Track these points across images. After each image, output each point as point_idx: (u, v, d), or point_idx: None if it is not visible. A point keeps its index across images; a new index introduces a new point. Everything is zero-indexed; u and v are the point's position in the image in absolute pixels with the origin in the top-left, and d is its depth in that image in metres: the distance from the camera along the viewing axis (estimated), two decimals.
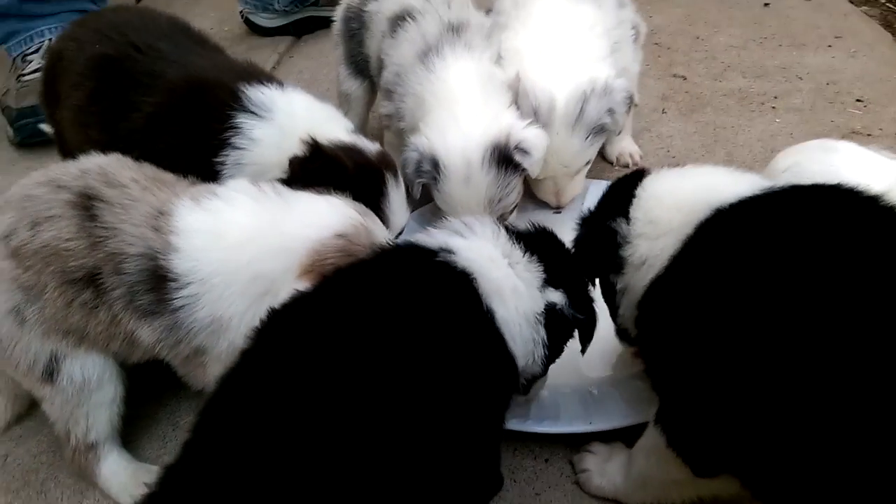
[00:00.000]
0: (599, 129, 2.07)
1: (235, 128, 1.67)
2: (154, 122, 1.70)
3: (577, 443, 1.57)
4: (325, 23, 2.80)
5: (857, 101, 2.78)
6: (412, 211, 1.97)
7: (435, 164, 1.88)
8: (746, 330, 1.08)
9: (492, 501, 1.49)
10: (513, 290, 1.29)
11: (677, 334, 1.20)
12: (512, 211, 2.03)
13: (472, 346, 1.21)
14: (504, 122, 1.92)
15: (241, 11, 3.74)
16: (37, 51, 3.00)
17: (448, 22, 2.04)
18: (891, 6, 3.57)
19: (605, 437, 1.56)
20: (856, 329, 0.98)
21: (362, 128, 2.48)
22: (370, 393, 1.07)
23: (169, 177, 1.50)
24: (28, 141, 2.87)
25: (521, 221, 1.54)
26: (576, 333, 1.44)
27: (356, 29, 2.32)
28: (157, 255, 1.35)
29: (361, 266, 1.30)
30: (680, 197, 1.31)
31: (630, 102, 2.15)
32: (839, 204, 1.15)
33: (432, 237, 1.35)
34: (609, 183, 1.55)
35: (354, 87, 2.43)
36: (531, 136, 1.92)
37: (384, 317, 1.17)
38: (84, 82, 1.80)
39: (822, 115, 2.71)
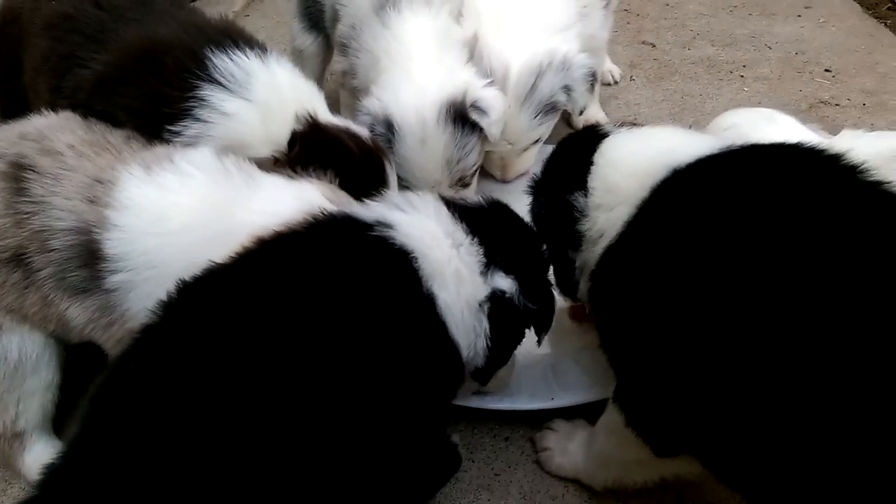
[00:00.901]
0: (551, 107, 1.96)
1: (198, 98, 1.47)
2: (102, 82, 1.52)
3: (538, 420, 1.51)
4: None
5: (826, 71, 2.74)
6: None
7: (389, 126, 1.75)
8: (699, 300, 1.00)
9: (449, 482, 1.43)
10: (455, 273, 1.17)
11: (628, 306, 1.13)
12: (473, 175, 1.92)
13: (410, 331, 1.10)
14: (460, 80, 1.80)
15: None
16: None
17: None
18: None
19: (568, 413, 1.50)
20: (815, 297, 0.91)
21: None
22: (286, 382, 0.97)
23: (116, 138, 1.37)
24: None
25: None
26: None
27: None
28: (92, 230, 1.23)
29: (287, 237, 1.16)
30: (637, 161, 1.22)
31: (592, 79, 2.04)
32: (801, 163, 1.08)
33: (369, 209, 1.22)
34: (558, 143, 1.46)
35: (308, 42, 2.26)
36: (489, 96, 1.81)
37: (306, 296, 1.05)
38: (38, 42, 1.62)
39: (790, 84, 2.67)
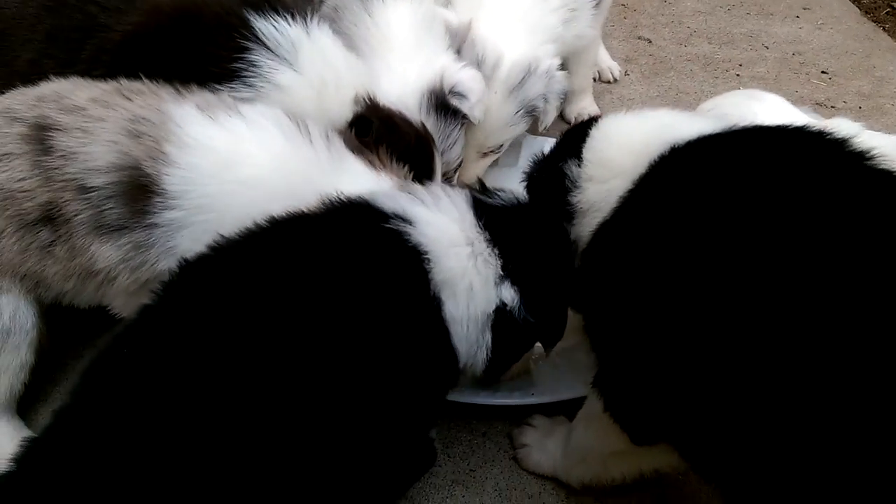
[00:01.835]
0: (531, 110, 1.95)
1: (248, 62, 1.41)
2: (132, 42, 1.45)
3: (517, 416, 1.47)
4: None
5: (822, 72, 2.71)
6: None
7: None
8: (690, 281, 0.96)
9: (424, 477, 1.39)
10: (467, 288, 1.11)
11: (617, 283, 1.07)
12: (456, 169, 1.87)
13: (409, 330, 1.06)
14: (437, 65, 1.75)
15: None
16: None
17: None
18: None
19: (548, 410, 1.46)
20: (810, 288, 0.87)
21: None
22: (278, 372, 0.95)
23: (140, 85, 1.32)
24: None
25: None
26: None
27: None
28: (141, 164, 1.20)
29: (300, 219, 1.12)
30: (635, 136, 1.18)
31: (563, 100, 2.07)
32: (804, 145, 1.04)
33: (393, 199, 1.16)
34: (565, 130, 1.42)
35: None
36: (466, 78, 1.75)
37: (310, 284, 1.01)
38: (37, 27, 1.52)
39: (786, 85, 2.63)
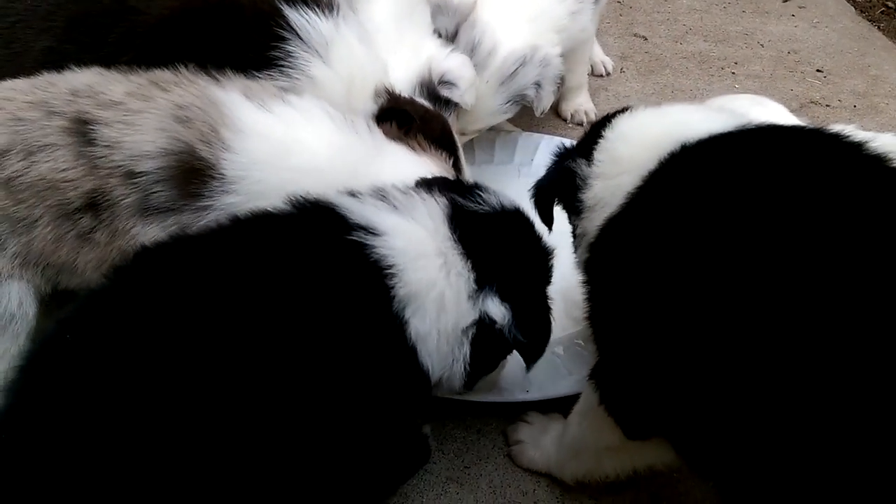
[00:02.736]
0: (520, 98, 1.95)
1: (285, 51, 1.43)
2: (165, 26, 1.44)
3: (512, 413, 1.46)
4: None
5: (818, 71, 2.72)
6: None
7: None
8: (696, 275, 0.95)
9: (418, 474, 1.38)
10: (436, 301, 1.06)
11: (622, 276, 1.07)
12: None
13: (368, 350, 1.01)
14: (424, 55, 1.74)
15: None
16: None
17: None
18: None
19: (543, 407, 1.45)
20: (817, 287, 0.86)
21: None
22: (225, 374, 0.91)
23: (172, 76, 1.32)
24: None
25: None
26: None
27: None
28: (193, 148, 1.21)
29: (264, 220, 1.09)
30: (648, 133, 1.17)
31: (560, 84, 2.08)
32: (820, 146, 1.03)
33: (362, 205, 1.11)
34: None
35: None
36: (454, 66, 1.74)
37: (263, 288, 0.98)
38: (58, 12, 1.50)
39: (781, 83, 2.63)
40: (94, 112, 1.24)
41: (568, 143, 1.53)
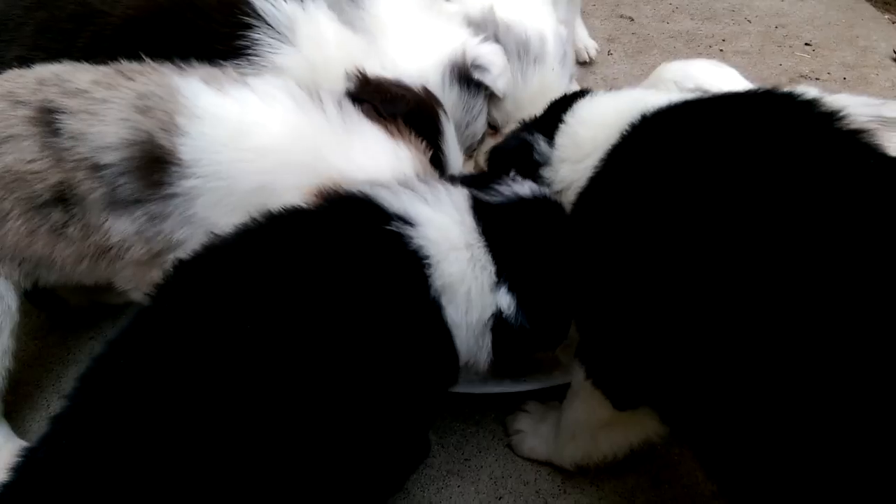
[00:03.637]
0: (572, 76, 1.98)
1: (251, 39, 1.44)
2: (133, 24, 1.46)
3: (509, 403, 1.46)
4: None
5: (806, 44, 2.70)
6: None
7: None
8: (659, 245, 0.96)
9: (419, 468, 1.38)
10: (466, 293, 1.10)
11: (592, 252, 1.08)
12: (481, 141, 1.85)
13: (409, 329, 1.04)
14: (457, 39, 1.74)
15: None
16: None
17: None
18: None
19: (541, 396, 1.45)
20: (784, 248, 0.85)
21: None
22: (282, 369, 0.94)
23: (139, 66, 1.32)
24: None
25: None
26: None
27: None
28: (154, 137, 1.21)
29: (300, 215, 1.10)
30: (609, 113, 1.20)
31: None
32: (776, 107, 1.03)
33: (397, 196, 1.13)
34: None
35: None
36: (487, 51, 1.75)
37: (308, 284, 0.99)
38: (24, 27, 1.51)
39: (770, 58, 2.62)
40: (58, 100, 1.23)
41: None
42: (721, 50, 2.67)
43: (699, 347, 0.91)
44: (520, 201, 1.20)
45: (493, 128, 1.87)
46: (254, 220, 1.08)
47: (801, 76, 2.51)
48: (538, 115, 1.39)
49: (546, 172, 1.27)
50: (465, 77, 1.72)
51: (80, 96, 1.24)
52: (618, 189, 1.07)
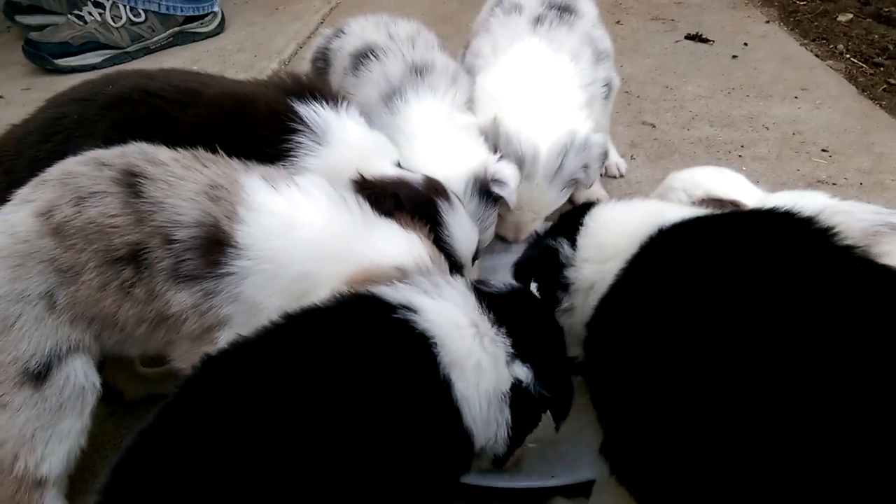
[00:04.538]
0: (573, 182, 2.12)
1: (295, 142, 1.66)
2: (199, 129, 1.64)
3: (539, 499, 1.50)
4: None
5: (823, 150, 2.81)
6: None
7: None
8: (682, 351, 1.04)
9: None
10: (476, 365, 1.18)
11: (615, 355, 1.17)
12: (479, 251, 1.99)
13: (422, 413, 1.11)
14: (480, 156, 1.95)
15: None
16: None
17: (412, 63, 2.02)
18: (855, 61, 3.66)
19: (568, 492, 1.49)
20: (795, 357, 0.94)
21: None
22: (303, 453, 1.00)
23: (211, 156, 1.48)
24: None
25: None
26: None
27: (322, 68, 2.31)
28: (218, 222, 1.37)
29: (315, 313, 1.21)
30: (628, 222, 1.30)
31: (604, 158, 2.21)
32: (780, 223, 1.15)
33: (397, 291, 1.25)
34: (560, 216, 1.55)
35: None
36: (505, 169, 1.95)
37: (327, 374, 1.08)
38: (100, 121, 1.70)
39: (787, 164, 2.73)
40: (142, 166, 1.38)
41: None
42: (740, 156, 2.79)
43: (716, 450, 0.98)
44: (513, 289, 1.35)
45: None
46: (273, 321, 1.19)
47: (819, 181, 2.60)
48: (555, 223, 1.50)
49: (569, 273, 1.36)
50: (485, 190, 1.91)
51: (161, 166, 1.40)
52: (638, 301, 1.16)
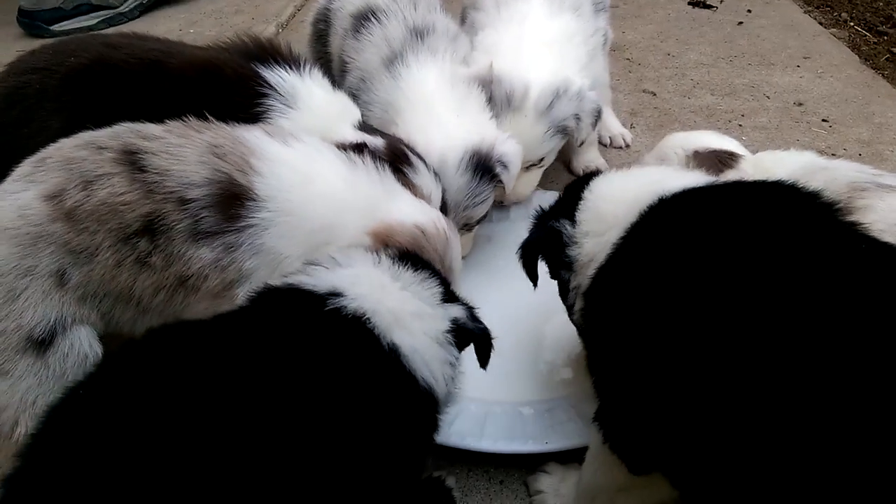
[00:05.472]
0: (562, 129, 2.09)
1: (266, 106, 1.67)
2: (169, 105, 1.58)
3: (533, 463, 1.53)
4: None
5: (823, 121, 2.80)
6: None
7: None
8: (673, 320, 1.05)
9: None
10: (414, 313, 1.20)
11: (612, 323, 1.18)
12: (478, 222, 1.99)
13: (379, 394, 1.10)
14: (489, 134, 1.91)
15: None
16: None
17: (413, 26, 1.99)
18: (859, 29, 3.62)
19: (563, 457, 1.52)
20: (793, 326, 0.95)
21: None
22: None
23: (201, 122, 1.47)
24: None
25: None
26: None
27: (323, 30, 2.28)
28: (231, 176, 1.38)
29: (237, 316, 1.16)
30: (627, 191, 1.30)
31: (598, 117, 2.17)
32: (782, 194, 1.15)
33: (317, 278, 1.21)
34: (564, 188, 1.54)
35: None
36: (511, 151, 1.92)
37: (262, 377, 1.02)
38: (67, 89, 1.67)
39: (787, 133, 2.72)
40: (138, 143, 1.38)
41: None
42: (740, 125, 2.78)
43: (707, 419, 0.99)
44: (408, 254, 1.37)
45: None
46: (188, 324, 1.16)
47: (818, 152, 2.57)
48: (557, 199, 1.50)
49: (572, 251, 1.36)
50: (483, 167, 1.86)
51: (157, 140, 1.39)
52: (636, 269, 1.16)
